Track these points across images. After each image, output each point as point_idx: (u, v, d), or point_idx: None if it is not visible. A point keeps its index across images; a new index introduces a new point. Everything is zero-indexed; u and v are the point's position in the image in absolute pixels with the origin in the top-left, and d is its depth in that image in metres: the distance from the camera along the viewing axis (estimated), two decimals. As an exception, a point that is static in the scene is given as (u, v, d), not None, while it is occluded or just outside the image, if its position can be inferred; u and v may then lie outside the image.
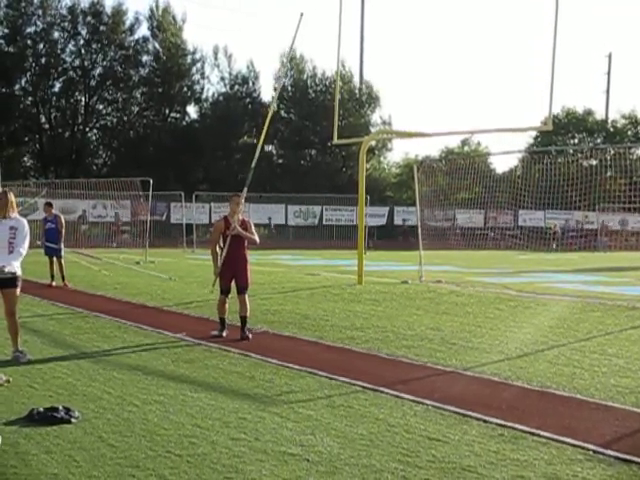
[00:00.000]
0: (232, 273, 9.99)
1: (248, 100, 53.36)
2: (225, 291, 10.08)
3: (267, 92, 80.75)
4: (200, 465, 4.85)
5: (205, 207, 42.02)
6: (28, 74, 49.61)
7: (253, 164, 12.30)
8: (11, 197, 8.03)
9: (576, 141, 58.59)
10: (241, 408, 6.28)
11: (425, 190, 21.85)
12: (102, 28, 50.05)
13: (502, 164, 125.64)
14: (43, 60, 49.57)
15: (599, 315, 12.31)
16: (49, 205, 17.60)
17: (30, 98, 50.28)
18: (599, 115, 61.15)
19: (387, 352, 8.94)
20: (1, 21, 48.24)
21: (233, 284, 10.09)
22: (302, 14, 14.12)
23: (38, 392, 6.74)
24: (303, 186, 46.15)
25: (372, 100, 53.69)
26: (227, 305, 10.13)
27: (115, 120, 53.50)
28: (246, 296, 10.06)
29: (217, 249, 10.11)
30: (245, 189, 11.46)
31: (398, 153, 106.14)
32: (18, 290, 8.03)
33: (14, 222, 7.87)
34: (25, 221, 8.04)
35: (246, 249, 10.14)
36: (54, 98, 51.00)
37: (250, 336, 9.81)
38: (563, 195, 23.44)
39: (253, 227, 10.29)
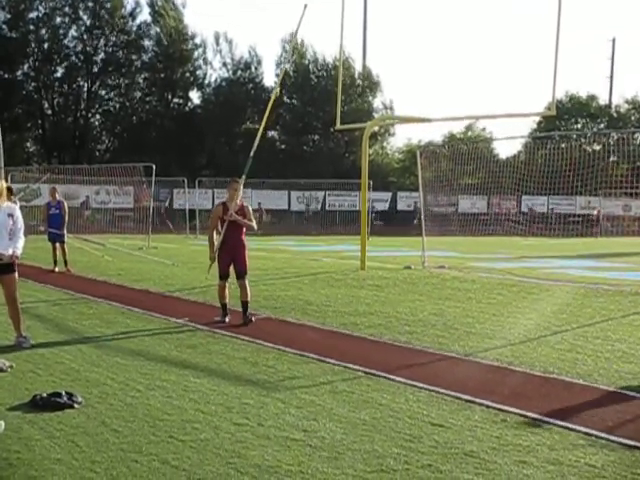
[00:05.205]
0: (230, 258, 10.01)
1: (251, 86, 53.18)
2: (223, 276, 10.07)
3: (270, 77, 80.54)
4: (203, 450, 4.86)
5: (208, 193, 41.89)
6: (30, 59, 49.50)
7: (252, 153, 12.04)
8: (2, 185, 8.02)
9: (579, 126, 58.24)
10: (244, 394, 6.29)
11: (428, 175, 21.77)
12: (103, 13, 49.85)
13: (505, 150, 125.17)
14: (45, 45, 49.43)
15: (602, 301, 12.29)
16: (55, 189, 17.82)
17: (33, 84, 50.14)
18: (602, 100, 60.80)
19: (390, 338, 8.94)
20: (3, 6, 48.08)
21: (231, 269, 10.09)
22: (306, 5, 13.92)
23: (41, 377, 6.76)
24: (306, 172, 46.01)
25: (373, 85, 53.45)
26: (227, 290, 10.15)
27: (118, 105, 53.37)
28: (246, 281, 10.06)
29: (215, 234, 10.12)
30: (244, 176, 11.37)
31: (401, 139, 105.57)
32: (16, 274, 8.07)
33: (10, 210, 7.94)
34: (18, 209, 8.14)
35: (244, 234, 10.16)
36: (56, 84, 50.85)
37: (253, 319, 9.85)
38: (566, 180, 23.34)
39: (252, 213, 10.28)
